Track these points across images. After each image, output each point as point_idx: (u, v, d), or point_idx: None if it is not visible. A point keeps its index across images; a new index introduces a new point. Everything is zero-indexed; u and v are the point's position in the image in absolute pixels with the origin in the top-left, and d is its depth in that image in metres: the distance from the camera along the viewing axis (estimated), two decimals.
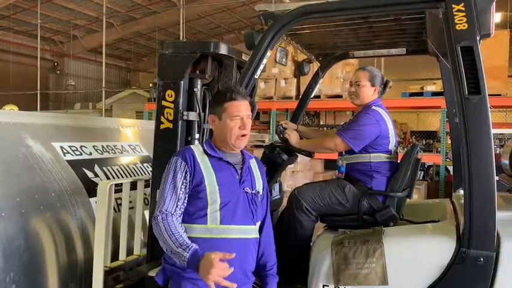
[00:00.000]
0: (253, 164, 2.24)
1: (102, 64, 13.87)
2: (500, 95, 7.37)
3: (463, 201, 2.76)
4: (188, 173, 2.06)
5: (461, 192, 2.96)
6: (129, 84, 18.99)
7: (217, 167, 2.10)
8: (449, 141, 9.33)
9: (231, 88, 2.17)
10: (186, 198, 2.06)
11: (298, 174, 8.06)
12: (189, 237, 2.01)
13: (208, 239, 2.02)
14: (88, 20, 15.79)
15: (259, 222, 2.20)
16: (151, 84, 11.62)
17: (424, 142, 11.57)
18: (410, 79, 11.84)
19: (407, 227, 2.61)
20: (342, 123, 3.01)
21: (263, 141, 9.54)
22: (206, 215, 2.03)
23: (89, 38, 17.25)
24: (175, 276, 2.06)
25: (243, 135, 2.11)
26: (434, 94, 8.34)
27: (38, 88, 14.65)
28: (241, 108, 2.10)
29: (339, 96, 8.91)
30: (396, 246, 2.26)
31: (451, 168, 8.71)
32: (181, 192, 2.05)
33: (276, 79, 9.26)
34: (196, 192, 2.05)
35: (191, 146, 2.24)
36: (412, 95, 8.68)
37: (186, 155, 2.10)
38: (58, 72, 18.26)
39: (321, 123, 11.31)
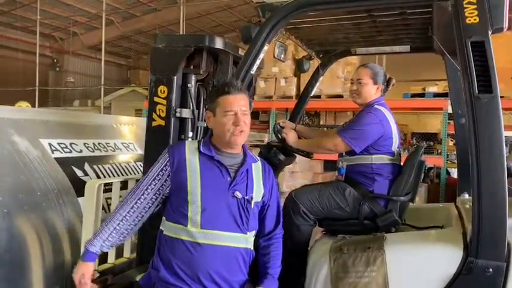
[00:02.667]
0: (256, 168, 2.07)
1: (101, 61, 13.75)
2: (503, 97, 7.27)
3: (468, 206, 2.64)
4: (167, 166, 1.97)
5: (467, 196, 2.84)
6: (129, 82, 18.87)
7: (206, 166, 1.96)
8: (451, 143, 9.34)
9: (225, 82, 2.03)
10: (159, 191, 2.00)
11: (297, 174, 7.94)
12: (174, 239, 1.92)
13: (190, 242, 1.89)
14: (88, 17, 15.70)
15: (253, 231, 2.04)
16: None
17: (424, 144, 11.48)
18: (411, 80, 11.71)
19: (410, 233, 2.47)
20: (343, 123, 2.87)
21: (262, 141, 9.41)
22: (187, 215, 1.90)
23: (89, 35, 17.17)
24: (158, 284, 1.93)
25: (241, 132, 1.95)
26: (436, 95, 8.32)
27: (37, 84, 14.54)
28: (234, 103, 1.95)
29: (340, 96, 8.82)
30: (399, 254, 2.12)
31: (451, 170, 8.71)
32: (152, 183, 1.99)
33: (276, 78, 9.16)
34: (177, 190, 1.95)
35: (187, 141, 2.12)
36: (413, 96, 8.60)
37: (175, 149, 2.01)
38: (57, 69, 18.16)
39: (321, 123, 11.17)
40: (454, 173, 9.70)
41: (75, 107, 15.49)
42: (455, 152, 9.28)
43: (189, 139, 2.54)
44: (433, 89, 8.58)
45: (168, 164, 1.98)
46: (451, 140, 9.75)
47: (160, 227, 2.01)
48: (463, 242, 2.04)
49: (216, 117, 1.98)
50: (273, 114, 9.29)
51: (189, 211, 1.89)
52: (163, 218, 2.02)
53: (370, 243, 2.16)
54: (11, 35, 16.12)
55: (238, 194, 1.95)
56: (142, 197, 1.99)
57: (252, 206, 1.99)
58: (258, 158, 2.15)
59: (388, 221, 2.46)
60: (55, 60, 18.09)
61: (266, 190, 2.06)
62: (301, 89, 8.82)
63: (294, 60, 8.89)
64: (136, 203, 1.99)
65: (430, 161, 8.88)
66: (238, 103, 1.96)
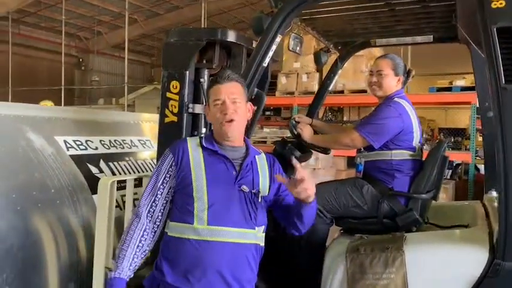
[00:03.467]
0: (260, 160, 2.00)
1: (125, 60, 13.89)
2: None
3: (495, 204, 2.49)
4: (173, 166, 1.90)
5: (494, 194, 2.69)
6: (152, 80, 19.04)
7: (210, 161, 1.89)
8: (480, 139, 9.06)
9: (218, 73, 1.97)
10: (168, 193, 1.92)
11: (319, 171, 7.81)
12: (179, 238, 1.84)
13: (197, 241, 1.81)
14: (112, 16, 15.89)
15: (263, 227, 1.96)
16: None
17: (452, 139, 11.19)
18: (438, 73, 11.38)
19: (432, 233, 2.34)
20: (361, 118, 2.75)
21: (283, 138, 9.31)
22: (193, 212, 1.83)
23: (113, 34, 17.41)
24: (162, 285, 1.87)
25: (230, 121, 1.86)
26: (464, 89, 8.09)
27: (63, 84, 14.81)
28: (222, 91, 1.88)
29: (364, 91, 8.61)
30: (419, 254, 2.00)
31: (480, 166, 8.43)
32: (161, 187, 1.90)
33: (297, 73, 9.04)
34: (182, 187, 1.87)
35: (188, 138, 2.05)
36: (440, 90, 8.35)
37: (176, 147, 1.94)
38: (83, 68, 18.49)
39: (345, 119, 10.98)
40: (483, 169, 9.41)
41: (100, 105, 15.73)
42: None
43: (202, 135, 2.48)
44: (460, 82, 8.33)
45: (173, 164, 1.91)
46: (480, 135, 9.47)
47: (165, 229, 1.95)
48: (489, 242, 1.91)
49: (209, 109, 1.94)
50: (295, 110, 9.17)
51: (195, 208, 1.83)
52: (167, 219, 1.95)
53: (389, 243, 2.05)
54: (37, 35, 16.49)
55: (245, 188, 1.88)
56: (154, 204, 1.92)
57: (260, 200, 1.92)
58: (261, 150, 2.07)
59: (408, 220, 2.34)
60: (80, 60, 18.42)
61: (275, 183, 1.97)
62: None
63: (315, 54, 8.72)
64: (149, 212, 1.91)
65: (458, 157, 8.65)
66: (227, 91, 1.88)
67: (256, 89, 2.30)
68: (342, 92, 8.42)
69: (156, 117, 4.36)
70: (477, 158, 7.95)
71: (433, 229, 2.53)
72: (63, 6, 13.92)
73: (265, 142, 8.57)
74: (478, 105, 8.26)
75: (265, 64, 2.23)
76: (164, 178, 1.91)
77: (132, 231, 1.89)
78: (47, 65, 16.51)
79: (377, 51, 8.51)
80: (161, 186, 1.91)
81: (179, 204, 1.89)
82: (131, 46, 15.23)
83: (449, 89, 8.27)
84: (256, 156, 2.00)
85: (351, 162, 8.75)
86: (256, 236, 1.92)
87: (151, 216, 1.91)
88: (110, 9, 15.07)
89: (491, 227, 2.05)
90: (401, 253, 1.98)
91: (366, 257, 2.03)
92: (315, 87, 8.93)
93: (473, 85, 8.38)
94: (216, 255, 1.80)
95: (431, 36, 2.92)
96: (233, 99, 1.88)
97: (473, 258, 1.89)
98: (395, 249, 1.99)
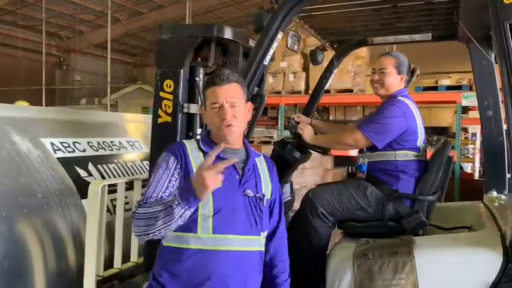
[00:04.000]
0: (261, 163, 1.91)
1: (108, 59, 13.66)
2: None
3: (498, 204, 2.45)
4: (178, 169, 1.77)
5: (495, 194, 2.65)
6: (135, 79, 18.80)
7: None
8: (463, 137, 9.13)
9: (215, 73, 1.86)
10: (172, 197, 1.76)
11: (307, 171, 7.79)
12: (180, 249, 1.72)
13: (201, 250, 1.71)
14: (94, 15, 15.61)
15: (266, 232, 1.87)
16: None
17: (435, 138, 11.31)
18: (423, 73, 11.46)
19: (442, 236, 2.29)
20: (362, 117, 2.68)
21: (271, 137, 9.29)
22: (197, 220, 1.71)
23: (95, 33, 17.10)
24: None
25: (228, 126, 1.76)
26: (449, 88, 8.12)
27: (43, 83, 14.50)
28: (219, 94, 1.76)
29: (350, 91, 8.68)
30: (430, 259, 1.94)
31: (464, 165, 8.50)
32: (167, 192, 1.75)
33: (284, 73, 9.06)
34: None
35: (184, 141, 1.92)
36: (426, 89, 8.41)
37: (177, 151, 1.80)
38: (64, 67, 18.14)
39: (331, 118, 11.01)
40: (467, 167, 9.52)
41: (82, 105, 15.47)
42: (467, 147, 9.15)
43: (198, 137, 2.38)
44: (446, 81, 8.44)
45: (177, 167, 1.77)
46: (464, 134, 9.56)
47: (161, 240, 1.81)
48: (502, 246, 1.85)
49: (206, 111, 1.84)
50: (282, 110, 9.18)
51: (199, 216, 1.72)
52: None
53: (398, 247, 1.98)
54: (16, 34, 16.07)
55: (250, 192, 1.79)
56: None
57: (265, 204, 1.84)
58: (260, 152, 1.98)
59: (415, 222, 2.27)
60: (61, 59, 18.06)
61: (274, 185, 1.91)
62: (311, 83, 8.77)
63: (302, 54, 8.71)
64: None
65: None
66: (225, 94, 1.77)
67: (256, 88, 2.21)
68: (328, 91, 8.39)
69: (143, 117, 4.27)
70: (461, 156, 8.01)
71: (436, 231, 2.48)
72: (43, 5, 13.62)
73: (252, 142, 8.51)
74: (464, 105, 8.30)
75: (265, 62, 2.15)
76: (169, 182, 1.76)
77: (148, 208, 1.68)
78: (27, 64, 16.12)
79: (363, 52, 8.55)
80: (167, 191, 1.76)
81: None
82: (114, 45, 14.99)
83: (435, 88, 8.35)
84: (256, 159, 1.91)
85: (337, 161, 8.76)
86: (261, 242, 1.84)
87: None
88: (91, 7, 14.79)
89: (502, 229, 1.99)
90: (411, 258, 1.91)
91: (375, 263, 1.96)
92: (302, 87, 8.94)
93: (459, 84, 8.47)
94: (221, 265, 1.70)
95: (430, 34, 2.88)
96: (232, 103, 1.78)
97: (487, 263, 1.84)
98: (405, 254, 1.93)
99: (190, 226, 1.72)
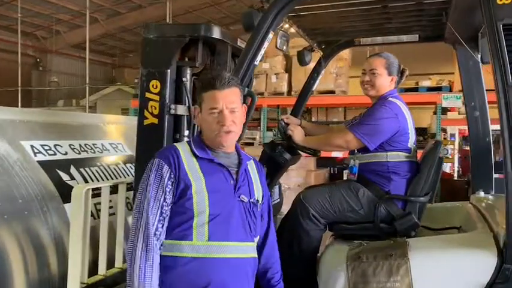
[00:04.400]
0: (251, 167, 1.87)
1: (86, 60, 13.42)
2: None
3: (485, 204, 2.46)
4: (171, 179, 1.69)
5: (482, 194, 2.68)
6: (114, 80, 18.52)
7: (207, 170, 1.72)
8: (443, 138, 9.25)
9: (212, 75, 1.79)
10: (169, 211, 1.70)
11: (290, 172, 7.78)
12: (174, 257, 1.66)
13: (196, 258, 1.65)
14: (71, 15, 15.32)
15: (258, 237, 1.84)
16: (136, 80, 11.26)
17: (416, 139, 11.45)
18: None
19: (436, 238, 2.28)
20: (352, 118, 2.66)
21: (253, 139, 9.26)
22: (192, 228, 1.66)
23: (73, 33, 16.78)
24: None
25: (228, 132, 1.72)
26: (430, 89, 8.24)
27: (19, 85, 14.16)
28: (219, 99, 1.72)
29: (332, 92, 8.72)
30: (425, 261, 1.93)
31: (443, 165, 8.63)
32: (165, 204, 1.68)
33: (266, 74, 9.04)
34: (181, 202, 1.68)
35: (176, 144, 1.86)
36: (406, 90, 8.51)
37: (170, 157, 1.73)
38: (41, 68, 17.75)
39: (313, 119, 11.04)
40: (446, 167, 9.67)
41: (60, 107, 15.15)
42: (446, 147, 9.30)
43: (185, 138, 2.32)
44: (426, 83, 8.55)
45: (171, 176, 1.70)
46: (443, 135, 9.71)
47: None
48: (496, 246, 1.84)
49: (202, 114, 1.78)
50: (264, 111, 9.18)
51: (194, 223, 1.66)
52: None
53: (392, 249, 1.96)
54: None
55: (244, 198, 1.75)
56: (160, 225, 1.69)
57: (259, 209, 1.81)
58: (250, 156, 1.94)
59: (407, 224, 2.26)
60: (38, 60, 17.67)
61: (264, 189, 1.88)
62: (293, 85, 8.77)
63: (284, 55, 8.72)
64: (155, 235, 1.68)
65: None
66: (225, 99, 1.72)
67: (246, 89, 2.16)
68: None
69: (126, 118, 4.18)
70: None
71: (425, 232, 2.48)
72: (19, 4, 13.30)
73: None
74: (444, 105, 8.39)
75: (256, 62, 2.11)
76: (166, 194, 1.69)
77: (146, 267, 1.65)
78: (2, 65, 15.73)
79: (345, 54, 8.59)
80: (165, 204, 1.68)
81: (176, 220, 1.70)
82: (92, 46, 14.70)
83: (415, 90, 8.45)
84: (248, 162, 1.87)
85: (320, 162, 8.78)
86: (254, 248, 1.81)
87: (158, 238, 1.69)
88: (68, 7, 14.51)
89: (494, 230, 1.99)
90: (406, 260, 1.90)
91: (369, 265, 1.94)
92: (285, 88, 8.94)
93: (439, 85, 8.57)
94: (217, 273, 1.66)
95: (417, 35, 2.89)
96: (232, 109, 1.73)
97: (481, 264, 1.84)
98: (400, 256, 1.91)
99: (185, 234, 1.67)
